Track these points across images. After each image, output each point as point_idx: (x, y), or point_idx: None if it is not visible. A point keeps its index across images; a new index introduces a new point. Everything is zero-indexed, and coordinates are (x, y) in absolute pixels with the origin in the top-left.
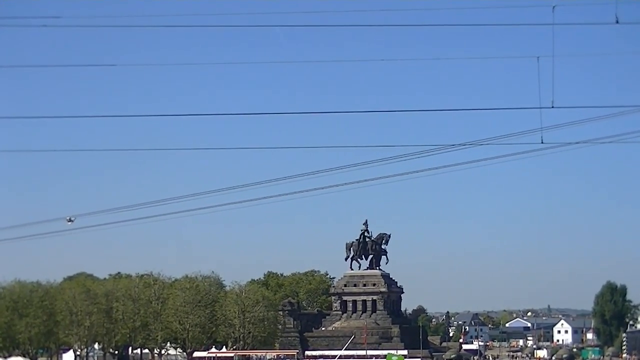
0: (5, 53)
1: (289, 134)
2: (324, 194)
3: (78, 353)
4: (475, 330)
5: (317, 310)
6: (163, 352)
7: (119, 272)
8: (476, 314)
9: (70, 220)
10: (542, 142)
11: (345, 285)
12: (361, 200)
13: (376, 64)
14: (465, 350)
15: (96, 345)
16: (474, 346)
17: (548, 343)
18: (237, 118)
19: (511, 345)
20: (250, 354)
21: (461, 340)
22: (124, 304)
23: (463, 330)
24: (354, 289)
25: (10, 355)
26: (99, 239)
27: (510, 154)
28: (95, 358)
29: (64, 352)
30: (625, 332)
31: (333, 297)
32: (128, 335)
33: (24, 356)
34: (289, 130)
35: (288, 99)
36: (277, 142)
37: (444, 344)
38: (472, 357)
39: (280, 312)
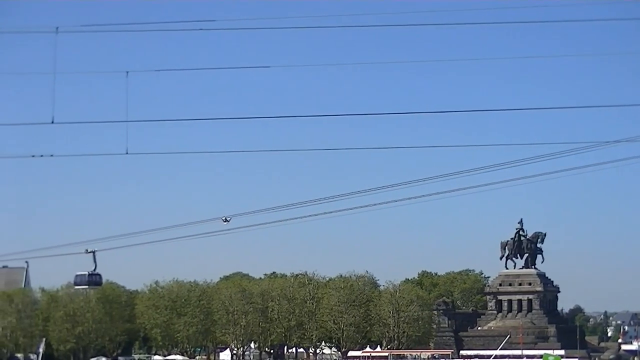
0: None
1: (446, 131)
2: (479, 192)
3: (235, 352)
4: (635, 330)
5: (472, 310)
6: (318, 351)
7: (274, 272)
8: (635, 313)
9: (226, 221)
10: None
11: (500, 285)
12: (516, 199)
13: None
14: (624, 350)
15: (252, 344)
16: (634, 347)
17: None
18: (387, 117)
19: None
20: (405, 353)
21: (620, 341)
22: (279, 303)
23: (622, 330)
24: (509, 288)
25: (169, 354)
26: (254, 239)
27: None
28: (252, 357)
29: (221, 351)
30: None
31: (488, 297)
32: (283, 335)
33: (183, 354)
34: (445, 127)
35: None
36: (431, 140)
37: (602, 344)
38: (631, 358)
39: (435, 312)
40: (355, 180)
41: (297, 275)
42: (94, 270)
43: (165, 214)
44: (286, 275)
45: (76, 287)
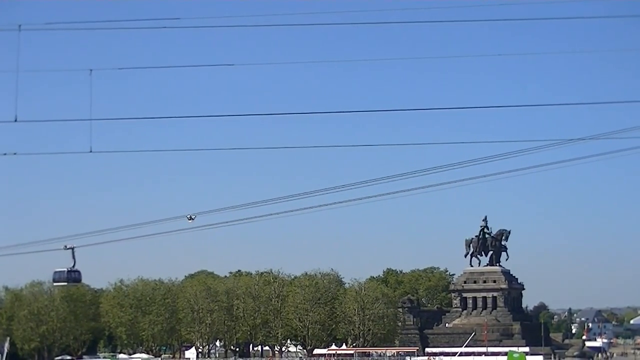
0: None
1: (409, 130)
2: (443, 190)
3: (200, 350)
4: (599, 327)
5: (437, 307)
6: (283, 349)
7: (239, 270)
8: (599, 310)
9: (191, 219)
10: None
11: (465, 282)
12: (480, 196)
13: None
14: (588, 347)
15: (218, 343)
16: (598, 343)
17: None
18: (353, 116)
19: (636, 342)
20: (371, 350)
21: (584, 338)
22: (244, 301)
23: (586, 327)
24: (474, 286)
25: (134, 352)
26: (220, 237)
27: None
28: (217, 355)
29: (186, 349)
30: None
31: (453, 294)
32: (249, 333)
33: (148, 353)
34: (409, 126)
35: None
36: (400, 138)
37: (567, 341)
38: (595, 355)
39: (400, 309)
40: (320, 179)
41: (262, 273)
42: (73, 266)
43: (129, 212)
44: (251, 274)
45: (55, 284)
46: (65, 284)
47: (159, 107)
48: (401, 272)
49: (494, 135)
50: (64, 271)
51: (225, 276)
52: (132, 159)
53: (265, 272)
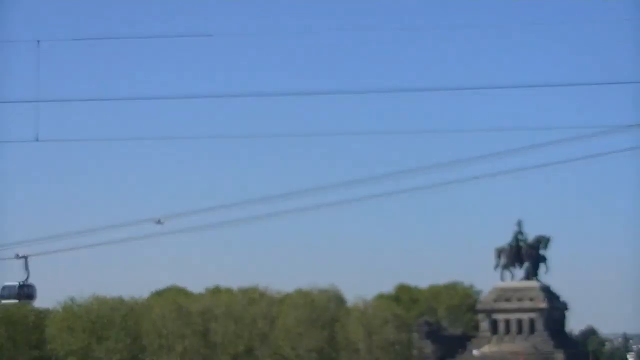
0: None
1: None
2: (468, 186)
3: None
4: None
5: (461, 332)
6: None
7: (217, 286)
8: None
9: (159, 223)
10: None
11: (495, 301)
12: (513, 194)
13: None
14: None
15: None
16: None
17: None
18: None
19: None
20: None
21: None
22: (224, 324)
23: None
24: (507, 305)
25: None
26: (194, 245)
27: None
28: None
29: None
30: None
31: (480, 316)
32: None
33: None
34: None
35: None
36: (412, 124)
37: None
38: None
39: (416, 334)
40: (317, 174)
41: (245, 289)
42: (27, 280)
43: (83, 214)
44: (232, 290)
45: (3, 301)
46: (17, 301)
47: (122, 86)
48: (417, 288)
49: (532, 120)
50: (15, 286)
51: (201, 293)
52: (87, 149)
53: (250, 288)
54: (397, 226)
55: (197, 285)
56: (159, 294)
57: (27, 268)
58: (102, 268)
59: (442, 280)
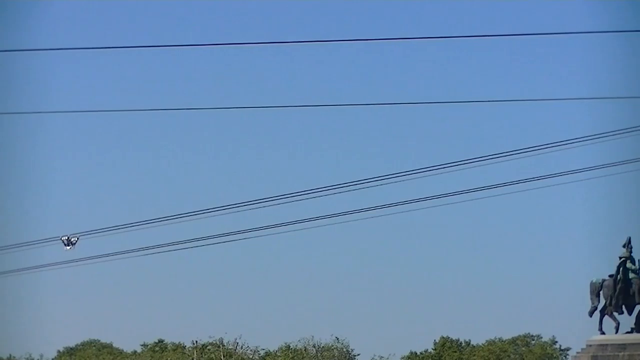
0: None
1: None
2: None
3: None
4: None
5: None
6: None
7: (160, 340)
8: None
9: (70, 243)
10: None
11: None
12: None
13: None
14: None
15: None
16: None
17: None
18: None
19: None
20: None
21: None
22: None
23: None
24: None
25: None
26: (126, 278)
27: None
28: None
29: None
30: None
31: None
32: None
33: None
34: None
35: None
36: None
37: None
38: None
39: None
40: (319, 177)
41: (204, 345)
42: None
43: None
44: (184, 346)
45: None
46: None
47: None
48: (468, 343)
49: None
50: None
51: (135, 352)
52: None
53: (211, 343)
54: (436, 258)
55: (129, 338)
56: (70, 352)
57: None
58: None
59: (508, 332)
